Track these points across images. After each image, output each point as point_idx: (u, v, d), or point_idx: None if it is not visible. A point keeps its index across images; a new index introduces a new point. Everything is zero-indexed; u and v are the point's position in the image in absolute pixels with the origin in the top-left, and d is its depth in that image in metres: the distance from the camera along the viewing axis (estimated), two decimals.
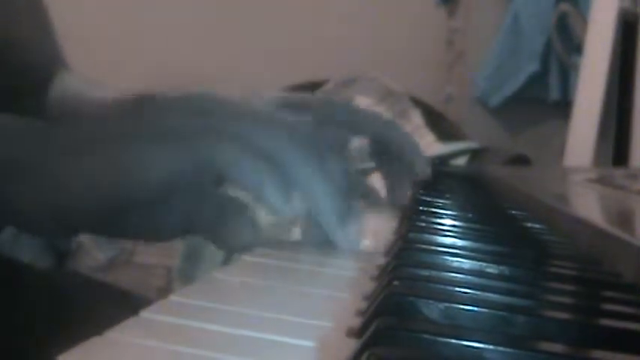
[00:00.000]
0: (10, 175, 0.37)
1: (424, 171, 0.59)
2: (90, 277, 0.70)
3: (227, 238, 0.39)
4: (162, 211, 0.39)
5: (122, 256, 1.88)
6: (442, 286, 0.28)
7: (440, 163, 1.37)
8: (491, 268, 0.33)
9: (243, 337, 0.23)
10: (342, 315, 0.26)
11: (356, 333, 0.24)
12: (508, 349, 0.21)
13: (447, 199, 0.60)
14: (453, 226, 0.46)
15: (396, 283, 0.27)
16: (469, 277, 0.30)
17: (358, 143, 0.58)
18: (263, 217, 0.40)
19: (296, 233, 0.42)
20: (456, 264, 0.33)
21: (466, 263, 0.33)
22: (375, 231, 0.45)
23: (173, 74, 2.23)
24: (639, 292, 0.30)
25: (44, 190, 0.37)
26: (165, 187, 0.37)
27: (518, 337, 0.23)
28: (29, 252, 1.61)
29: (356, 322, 0.25)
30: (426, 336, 0.21)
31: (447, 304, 0.25)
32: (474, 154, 1.70)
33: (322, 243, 0.40)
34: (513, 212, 0.57)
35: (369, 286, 0.31)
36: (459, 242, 0.39)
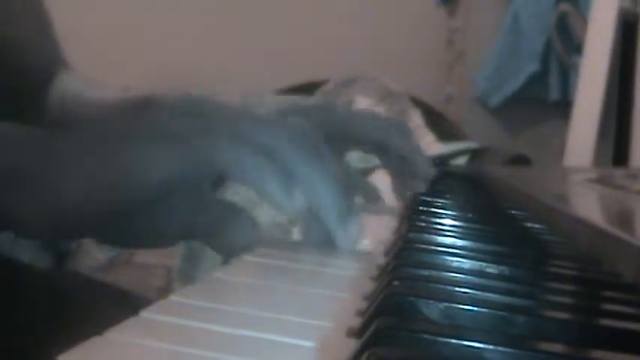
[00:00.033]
0: (11, 184, 0.37)
1: (427, 175, 0.59)
2: (90, 277, 0.70)
3: (226, 243, 0.39)
4: (162, 217, 0.39)
5: (122, 256, 1.88)
6: (442, 286, 0.28)
7: (440, 163, 1.37)
8: (491, 268, 0.33)
9: (243, 337, 0.23)
10: (342, 315, 0.26)
11: (356, 333, 0.24)
12: (508, 349, 0.21)
13: (447, 199, 0.60)
14: (453, 226, 0.46)
15: (396, 283, 0.27)
16: (469, 277, 0.30)
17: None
18: (263, 217, 0.40)
19: (296, 233, 0.42)
20: (455, 264, 0.33)
21: (466, 263, 0.33)
22: (375, 231, 0.45)
23: (173, 74, 2.23)
24: (639, 292, 0.30)
25: (44, 198, 0.37)
26: (166, 188, 0.37)
27: (518, 337, 0.23)
28: (29, 252, 1.61)
29: (356, 322, 0.25)
30: (426, 336, 0.21)
31: (447, 304, 0.25)
32: (474, 154, 1.70)
33: (322, 243, 0.40)
34: (513, 212, 0.57)
35: (369, 286, 0.31)
36: (459, 242, 0.39)
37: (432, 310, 0.25)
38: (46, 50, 0.68)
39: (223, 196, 0.42)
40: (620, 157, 1.10)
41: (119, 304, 0.57)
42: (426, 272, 0.30)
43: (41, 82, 0.66)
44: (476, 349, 0.21)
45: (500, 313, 0.24)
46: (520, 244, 0.41)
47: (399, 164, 0.59)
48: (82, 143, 0.39)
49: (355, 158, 0.83)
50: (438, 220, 0.47)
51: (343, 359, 0.21)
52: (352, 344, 0.23)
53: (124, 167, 0.37)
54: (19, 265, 0.60)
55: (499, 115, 1.97)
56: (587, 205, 0.59)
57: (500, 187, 0.78)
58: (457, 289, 0.27)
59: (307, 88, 2.09)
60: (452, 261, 0.34)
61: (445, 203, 0.58)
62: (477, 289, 0.27)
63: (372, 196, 0.60)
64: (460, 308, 0.25)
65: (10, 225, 0.38)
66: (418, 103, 2.07)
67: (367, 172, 0.81)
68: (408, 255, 0.34)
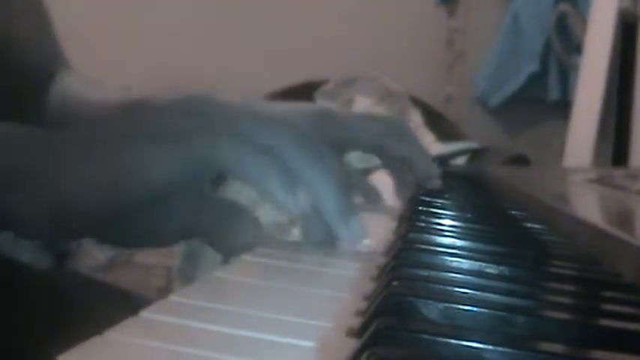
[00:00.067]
0: (11, 184, 0.37)
1: (430, 178, 0.59)
2: (90, 277, 0.70)
3: (228, 243, 0.39)
4: (162, 216, 0.39)
5: (122, 256, 1.88)
6: (442, 287, 0.28)
7: (440, 163, 1.37)
8: (491, 269, 0.33)
9: (243, 337, 0.23)
10: (342, 315, 0.26)
11: (356, 333, 0.24)
12: (508, 349, 0.21)
13: (446, 199, 0.60)
14: (453, 226, 0.46)
15: (395, 283, 0.27)
16: (469, 277, 0.30)
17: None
18: (264, 217, 0.40)
19: (296, 233, 0.42)
20: (455, 264, 0.33)
21: (466, 263, 0.33)
22: (375, 231, 0.45)
23: (173, 74, 2.23)
24: (639, 292, 0.30)
25: (44, 197, 0.37)
26: (166, 188, 0.37)
27: (518, 337, 0.23)
28: (29, 252, 1.61)
29: (356, 322, 0.25)
30: (425, 336, 0.21)
31: (446, 305, 0.25)
32: (474, 154, 1.70)
33: (322, 243, 0.40)
34: (513, 212, 0.57)
35: (369, 286, 0.31)
36: (459, 242, 0.39)
37: (432, 310, 0.25)
38: (47, 50, 0.68)
39: (225, 195, 0.41)
40: (620, 157, 1.10)
41: (119, 304, 0.57)
42: (425, 272, 0.30)
43: (41, 82, 0.66)
44: (475, 350, 0.21)
45: (500, 313, 0.24)
46: (520, 244, 0.41)
47: (399, 164, 0.59)
48: (82, 143, 0.39)
49: (355, 158, 0.83)
50: (437, 221, 0.47)
51: (343, 359, 0.21)
52: (352, 344, 0.23)
53: (124, 167, 0.37)
54: (19, 265, 0.60)
55: (499, 115, 1.97)
56: (587, 205, 0.59)
57: (500, 187, 0.78)
58: (457, 289, 0.27)
59: (307, 88, 2.09)
60: (451, 261, 0.34)
61: (445, 203, 0.58)
62: (477, 290, 0.27)
63: (372, 196, 0.60)
64: (459, 308, 0.25)
65: (10, 225, 0.38)
66: (418, 103, 2.07)
67: (367, 172, 0.81)
68: (407, 255, 0.34)
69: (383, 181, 0.63)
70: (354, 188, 0.58)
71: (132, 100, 0.63)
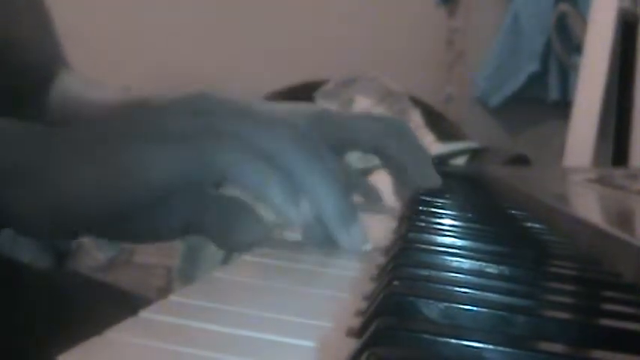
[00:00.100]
0: (10, 180, 0.37)
1: (431, 174, 0.58)
2: (90, 277, 0.70)
3: (232, 240, 0.39)
4: (163, 212, 0.39)
5: (122, 256, 1.88)
6: (442, 286, 0.28)
7: (440, 163, 1.37)
8: (491, 268, 0.33)
9: (243, 337, 0.23)
10: (342, 315, 0.26)
11: (356, 333, 0.24)
12: (508, 349, 0.21)
13: (446, 199, 0.60)
14: (453, 226, 0.46)
15: (395, 283, 0.27)
16: (469, 277, 0.30)
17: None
18: (265, 216, 0.40)
19: (296, 233, 0.42)
20: (455, 264, 0.33)
21: (466, 263, 0.33)
22: (375, 231, 0.45)
23: (173, 74, 2.23)
24: (639, 292, 0.30)
25: (44, 194, 0.37)
26: (166, 188, 0.37)
27: (518, 337, 0.23)
28: (29, 252, 1.61)
29: (356, 322, 0.25)
30: (425, 336, 0.21)
31: (446, 304, 0.25)
32: (474, 154, 1.70)
33: (322, 243, 0.40)
34: (513, 212, 0.57)
35: (369, 286, 0.31)
36: (459, 242, 0.39)
37: (432, 310, 0.25)
38: (48, 49, 0.68)
39: (228, 192, 0.41)
40: (620, 157, 1.10)
41: (119, 304, 0.57)
42: (425, 272, 0.30)
43: (42, 81, 0.66)
44: (476, 349, 0.21)
45: (500, 313, 0.24)
46: (520, 244, 0.41)
47: (399, 164, 0.59)
48: (82, 142, 0.39)
49: (355, 158, 0.83)
50: (437, 220, 0.47)
51: (343, 359, 0.21)
52: (352, 344, 0.23)
53: (124, 167, 0.37)
54: (19, 265, 0.60)
55: (499, 115, 1.97)
56: (587, 205, 0.59)
57: (500, 187, 0.78)
58: (457, 289, 0.27)
59: (307, 88, 2.10)
60: (452, 261, 0.34)
61: (445, 203, 0.58)
62: (477, 289, 0.27)
63: (372, 196, 0.60)
64: (460, 308, 0.25)
65: (9, 221, 0.38)
66: (418, 103, 2.07)
67: (367, 172, 0.81)
68: (407, 255, 0.34)
69: (383, 181, 0.63)
70: (354, 188, 0.58)
71: (132, 100, 0.63)
